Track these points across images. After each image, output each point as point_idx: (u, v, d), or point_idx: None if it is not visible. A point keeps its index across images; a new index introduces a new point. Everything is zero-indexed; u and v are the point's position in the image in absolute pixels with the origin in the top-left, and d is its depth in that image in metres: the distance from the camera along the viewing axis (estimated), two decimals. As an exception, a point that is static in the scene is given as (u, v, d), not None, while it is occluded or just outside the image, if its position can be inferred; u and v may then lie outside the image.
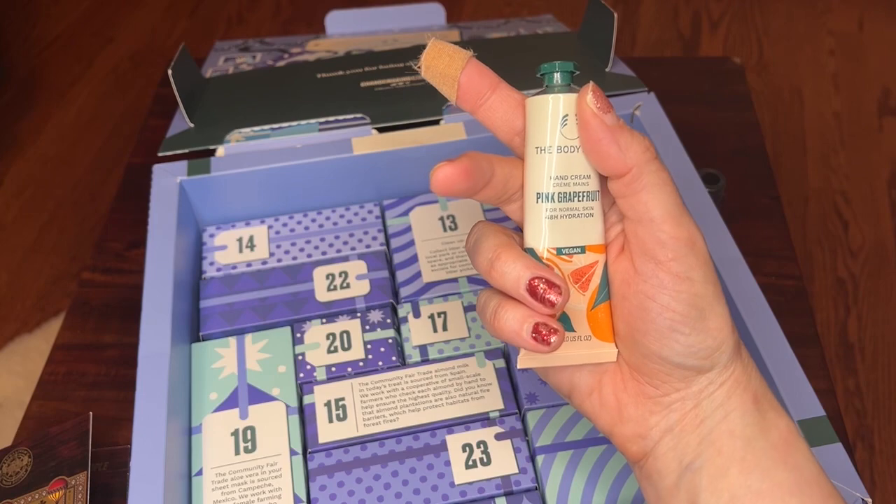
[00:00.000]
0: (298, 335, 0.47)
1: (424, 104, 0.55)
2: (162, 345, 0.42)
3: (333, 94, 0.58)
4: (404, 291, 0.49)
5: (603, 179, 0.31)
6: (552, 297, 0.29)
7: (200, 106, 0.57)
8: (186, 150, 0.53)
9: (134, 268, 0.59)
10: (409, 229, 0.52)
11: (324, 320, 0.48)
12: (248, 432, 0.43)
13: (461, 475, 0.41)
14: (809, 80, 1.53)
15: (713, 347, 0.29)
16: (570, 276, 0.31)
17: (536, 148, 0.31)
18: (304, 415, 0.44)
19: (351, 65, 0.61)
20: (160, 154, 0.53)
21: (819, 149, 1.41)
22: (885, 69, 1.55)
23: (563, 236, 0.31)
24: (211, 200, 0.52)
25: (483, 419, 0.43)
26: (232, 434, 0.43)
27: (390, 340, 0.47)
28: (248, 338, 0.47)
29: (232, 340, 0.47)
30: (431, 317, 0.48)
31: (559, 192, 0.31)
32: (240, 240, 0.52)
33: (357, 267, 0.50)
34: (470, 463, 0.41)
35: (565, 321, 0.31)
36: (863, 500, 0.36)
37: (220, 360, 0.46)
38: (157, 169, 0.52)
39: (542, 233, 0.31)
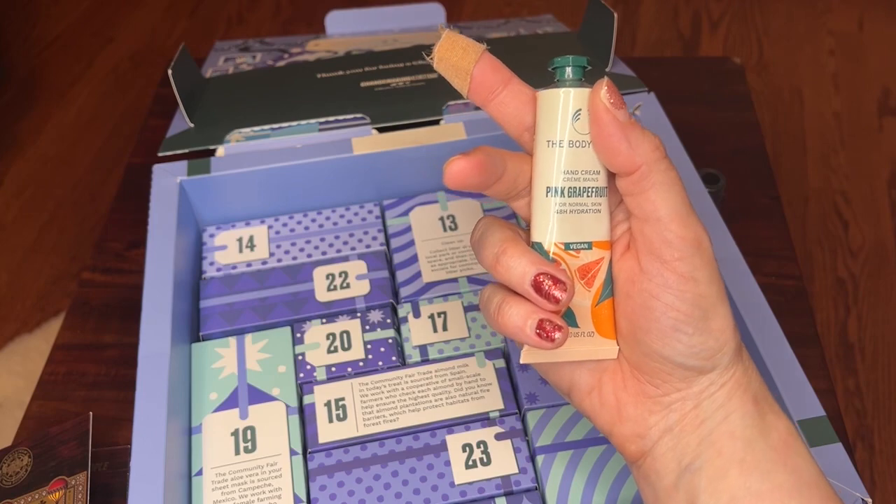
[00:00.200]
0: (298, 335, 0.47)
1: (424, 104, 0.55)
2: (162, 345, 0.42)
3: (333, 94, 0.58)
4: (404, 291, 0.49)
5: (611, 177, 0.31)
6: (557, 293, 0.29)
7: (200, 106, 0.57)
8: (186, 150, 0.53)
9: (134, 268, 0.59)
10: (409, 229, 0.52)
11: (324, 320, 0.48)
12: (248, 432, 0.43)
13: (461, 475, 0.41)
14: (809, 80, 1.53)
15: (715, 348, 0.29)
16: (576, 271, 0.31)
17: (548, 141, 0.31)
18: (304, 415, 0.44)
19: (351, 65, 0.61)
20: (160, 154, 0.53)
21: (819, 149, 1.41)
22: (885, 69, 1.55)
23: (571, 231, 0.31)
24: (211, 200, 0.52)
25: (483, 419, 0.43)
26: (232, 434, 0.43)
27: (390, 340, 0.47)
28: (248, 338, 0.47)
29: (232, 340, 0.47)
30: (431, 317, 0.48)
31: (569, 187, 0.31)
32: (240, 240, 0.52)
33: (357, 267, 0.50)
34: (470, 463, 0.41)
35: (570, 317, 0.31)
36: (863, 500, 0.36)
37: (220, 360, 0.46)
38: (157, 169, 0.52)
39: (551, 227, 0.31)
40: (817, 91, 1.51)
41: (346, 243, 0.52)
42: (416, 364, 0.46)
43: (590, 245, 0.31)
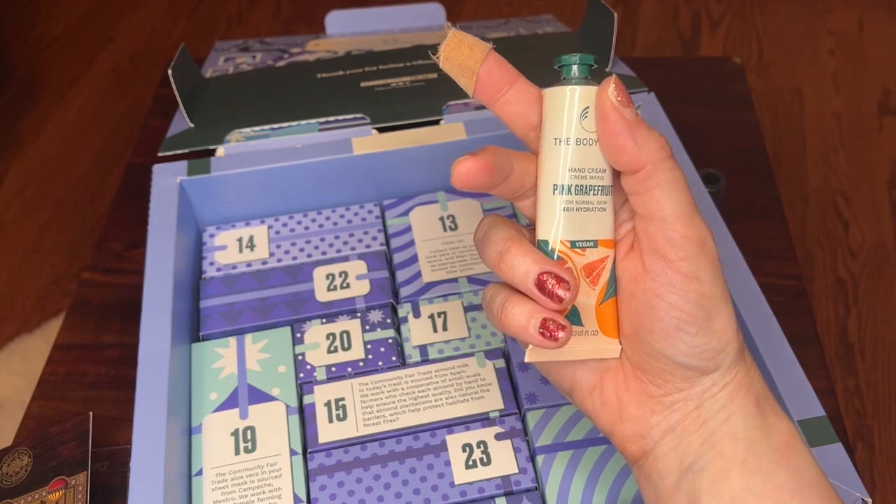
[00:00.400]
0: (298, 335, 0.47)
1: (424, 104, 0.55)
2: (162, 345, 0.42)
3: (333, 94, 0.58)
4: (404, 291, 0.49)
5: (616, 176, 0.31)
6: (561, 292, 0.29)
7: (200, 106, 0.57)
8: (186, 150, 0.53)
9: (134, 268, 0.59)
10: (409, 229, 0.52)
11: (324, 320, 0.48)
12: (248, 432, 0.43)
13: (461, 475, 0.41)
14: (809, 80, 1.53)
15: (718, 349, 0.29)
16: (581, 269, 0.31)
17: (555, 139, 0.31)
18: (304, 415, 0.44)
19: (351, 65, 0.61)
20: (160, 154, 0.53)
21: (819, 149, 1.41)
22: (885, 69, 1.55)
23: (577, 229, 0.31)
24: (211, 200, 0.52)
25: (483, 419, 0.43)
26: (232, 434, 0.43)
27: (390, 340, 0.47)
28: (248, 338, 0.47)
29: (232, 340, 0.47)
30: (431, 317, 0.48)
31: (576, 185, 0.30)
32: (240, 240, 0.52)
33: (357, 267, 0.50)
34: (470, 463, 0.41)
35: (574, 315, 0.31)
36: (863, 500, 0.36)
37: (220, 360, 0.46)
38: (157, 169, 0.52)
39: (557, 224, 0.31)
40: (817, 91, 1.51)
41: (346, 243, 0.52)
42: (416, 364, 0.46)
43: (595, 243, 0.31)
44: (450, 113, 0.54)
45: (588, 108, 0.30)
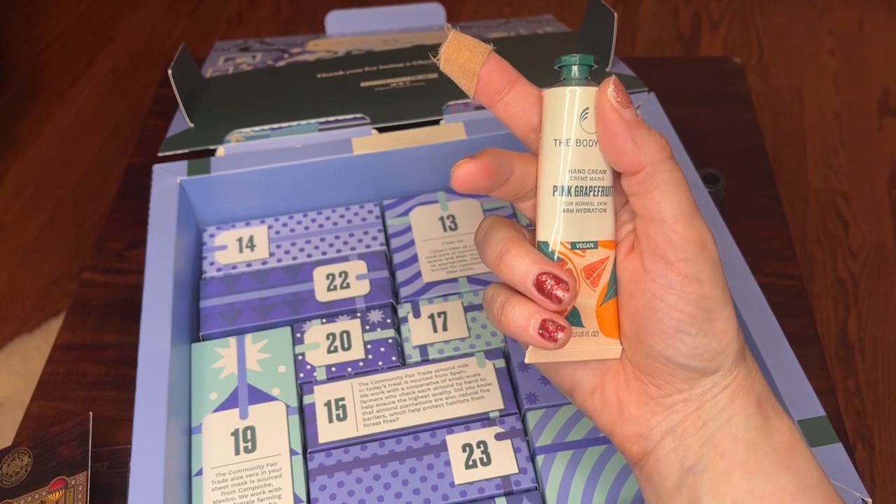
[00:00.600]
0: (298, 335, 0.47)
1: (424, 104, 0.55)
2: (162, 345, 0.42)
3: (333, 94, 0.58)
4: (404, 291, 0.49)
5: (617, 176, 0.31)
6: (560, 293, 0.29)
7: (200, 106, 0.57)
8: (186, 150, 0.53)
9: (134, 268, 0.59)
10: (409, 229, 0.52)
11: (324, 320, 0.48)
12: (248, 432, 0.43)
13: (461, 475, 0.41)
14: (809, 80, 1.53)
15: (718, 350, 0.29)
16: (582, 270, 0.31)
17: (555, 140, 0.30)
18: (304, 415, 0.44)
19: (351, 65, 0.61)
20: (160, 154, 0.53)
21: (819, 149, 1.41)
22: (885, 69, 1.55)
23: (577, 230, 0.31)
24: (211, 200, 0.52)
25: (483, 419, 0.43)
26: (232, 434, 0.43)
27: (390, 340, 0.47)
28: (248, 338, 0.47)
29: (232, 340, 0.47)
30: (431, 317, 0.48)
31: (576, 186, 0.30)
32: (240, 240, 0.52)
33: (357, 267, 0.50)
34: (470, 463, 0.41)
35: (575, 316, 0.31)
36: (863, 500, 0.36)
37: (220, 360, 0.46)
38: (157, 169, 0.52)
39: (557, 226, 0.31)
40: (817, 91, 1.51)
41: (346, 243, 0.52)
42: (416, 364, 0.46)
43: (595, 244, 0.31)
44: (450, 113, 0.54)
45: (588, 108, 0.30)
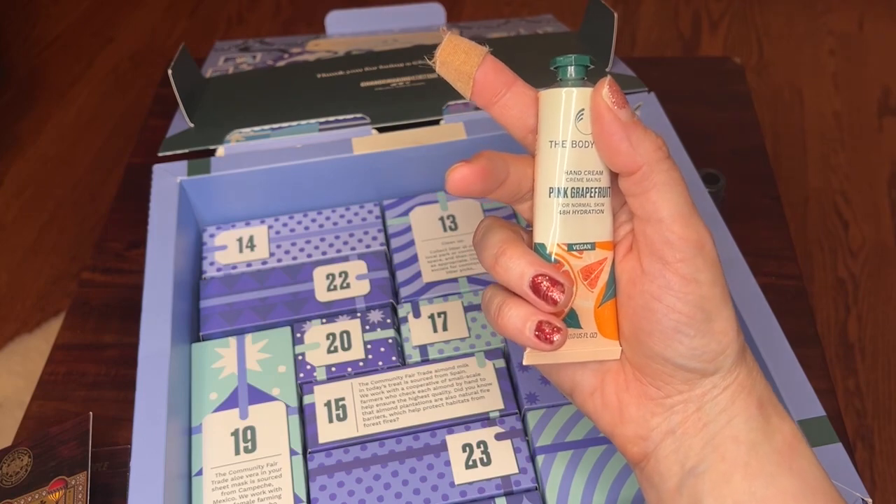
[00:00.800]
0: (298, 335, 0.47)
1: (424, 104, 0.55)
2: (162, 345, 0.42)
3: (333, 94, 0.58)
4: (404, 291, 0.49)
5: (614, 177, 0.31)
6: (555, 294, 0.29)
7: (200, 106, 0.57)
8: (186, 150, 0.53)
9: (134, 268, 0.59)
10: (409, 229, 0.52)
11: (324, 320, 0.48)
12: (248, 432, 0.43)
13: (461, 475, 0.41)
14: (809, 80, 1.53)
15: (717, 351, 0.29)
16: (579, 272, 0.31)
17: (550, 142, 0.30)
18: (304, 415, 0.44)
19: (351, 65, 0.61)
20: (160, 154, 0.53)
21: (819, 149, 1.41)
22: (885, 69, 1.55)
23: (574, 232, 0.31)
24: (211, 200, 0.52)
25: (483, 419, 0.43)
26: (232, 434, 0.43)
27: (390, 340, 0.47)
28: (248, 338, 0.47)
29: (232, 340, 0.47)
30: (431, 317, 0.48)
31: (572, 187, 0.30)
32: (240, 240, 0.52)
33: (357, 267, 0.50)
34: (470, 463, 0.41)
35: (573, 318, 0.31)
36: (863, 500, 0.36)
37: (220, 360, 0.46)
38: (157, 169, 0.52)
39: (554, 228, 0.31)
40: (817, 91, 1.51)
41: (346, 243, 0.52)
42: (416, 364, 0.46)
43: (593, 246, 0.31)
44: (450, 113, 0.54)
45: (583, 109, 0.30)
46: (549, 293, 0.29)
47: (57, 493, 0.44)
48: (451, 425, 0.43)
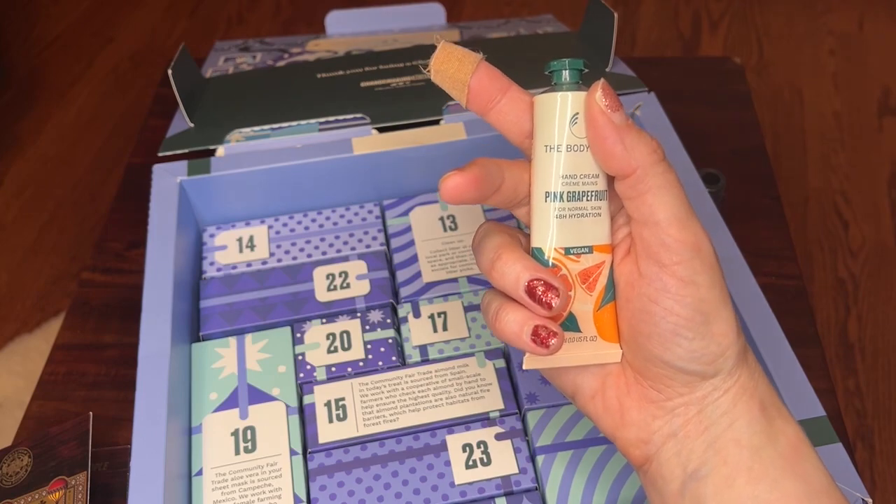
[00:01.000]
0: (298, 335, 0.47)
1: (424, 104, 0.55)
2: (162, 345, 0.42)
3: (333, 94, 0.58)
4: (404, 291, 0.49)
5: (611, 180, 0.31)
6: (551, 298, 0.29)
7: (200, 106, 0.57)
8: (186, 150, 0.53)
9: (134, 268, 0.59)
10: (409, 229, 0.52)
11: (324, 320, 0.48)
12: (248, 432, 0.43)
13: (461, 475, 0.41)
14: (809, 80, 1.53)
15: (717, 353, 0.29)
16: (577, 276, 0.31)
17: (545, 146, 0.30)
18: (304, 415, 0.44)
19: (351, 65, 0.61)
20: (160, 154, 0.53)
21: (819, 149, 1.41)
22: (885, 69, 1.55)
23: (571, 236, 0.31)
24: (211, 200, 0.52)
25: (483, 419, 0.43)
26: (232, 434, 0.43)
27: (390, 340, 0.47)
28: (248, 338, 0.47)
29: (232, 340, 0.47)
30: (431, 317, 0.48)
31: (568, 192, 0.30)
32: (240, 240, 0.52)
33: (357, 267, 0.50)
34: (470, 463, 0.41)
35: (572, 321, 0.31)
36: (863, 500, 0.36)
37: (220, 360, 0.46)
38: (157, 169, 0.52)
39: (551, 232, 0.31)
40: (817, 91, 1.51)
41: (346, 243, 0.52)
42: (416, 364, 0.46)
43: (590, 249, 0.31)
44: (450, 113, 0.54)
45: (578, 113, 0.30)
46: (545, 297, 0.29)
47: (57, 493, 0.44)
48: (452, 425, 0.43)
